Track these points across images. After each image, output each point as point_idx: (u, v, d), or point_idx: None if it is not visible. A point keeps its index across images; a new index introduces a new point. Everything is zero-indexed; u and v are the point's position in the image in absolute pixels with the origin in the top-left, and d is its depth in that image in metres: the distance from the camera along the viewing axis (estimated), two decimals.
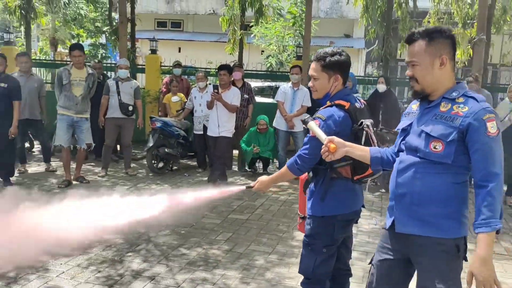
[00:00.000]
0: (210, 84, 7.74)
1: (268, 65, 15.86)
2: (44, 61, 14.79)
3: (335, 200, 2.73)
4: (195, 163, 8.37)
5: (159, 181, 7.13)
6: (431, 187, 2.10)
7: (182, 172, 7.87)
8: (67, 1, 17.28)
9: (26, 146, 7.93)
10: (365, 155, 2.39)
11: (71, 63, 6.71)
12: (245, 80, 8.28)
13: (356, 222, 2.95)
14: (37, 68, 11.53)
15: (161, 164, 7.80)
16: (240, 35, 11.04)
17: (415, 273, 2.28)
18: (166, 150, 7.60)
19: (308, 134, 2.71)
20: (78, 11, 18.42)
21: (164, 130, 7.55)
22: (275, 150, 7.80)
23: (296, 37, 15.74)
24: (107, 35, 17.39)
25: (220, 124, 6.89)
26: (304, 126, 2.65)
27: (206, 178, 7.23)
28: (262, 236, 4.94)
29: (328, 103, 2.74)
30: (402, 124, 2.31)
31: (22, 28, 14.76)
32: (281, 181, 5.56)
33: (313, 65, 2.76)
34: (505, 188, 6.66)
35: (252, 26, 13.97)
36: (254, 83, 11.64)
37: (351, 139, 2.62)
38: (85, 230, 3.38)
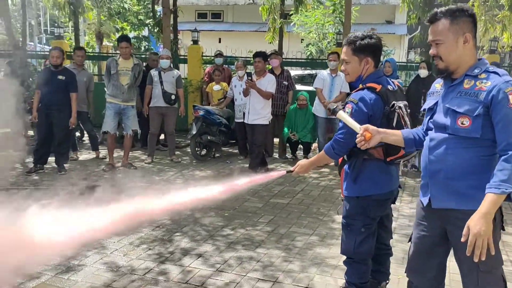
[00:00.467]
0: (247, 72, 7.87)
1: (308, 53, 15.84)
2: (90, 53, 15.37)
3: (368, 181, 2.82)
4: (236, 151, 8.56)
5: (202, 168, 7.37)
6: (463, 160, 2.18)
7: (224, 159, 8.08)
8: None
9: (76, 136, 8.38)
10: (398, 139, 2.48)
11: (119, 54, 7.04)
12: (285, 68, 8.35)
13: (394, 203, 3.02)
14: (85, 61, 12.01)
15: (204, 152, 8.04)
16: (280, 23, 11.10)
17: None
18: (208, 137, 7.82)
19: None
20: (122, 5, 18.98)
21: (207, 118, 7.76)
22: (315, 133, 7.85)
23: (336, 24, 15.62)
24: (150, 27, 17.85)
25: (256, 112, 6.96)
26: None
27: (247, 165, 7.41)
28: (303, 219, 5.07)
29: (360, 86, 2.82)
30: (428, 103, 2.38)
31: (69, 23, 15.37)
32: (320, 165, 5.70)
33: (344, 49, 2.84)
34: None
35: (291, 14, 13.99)
36: (294, 72, 11.71)
37: (383, 121, 2.70)
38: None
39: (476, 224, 2.05)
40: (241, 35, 19.86)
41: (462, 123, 2.16)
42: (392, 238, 3.13)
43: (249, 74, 7.04)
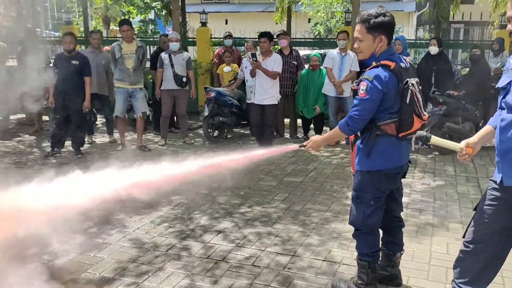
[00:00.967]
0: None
1: (316, 32, 15.78)
2: None
3: (380, 156, 2.88)
4: (248, 132, 8.66)
5: (215, 149, 7.49)
6: None
7: (236, 140, 8.19)
8: None
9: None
10: (491, 132, 2.46)
11: (122, 38, 7.13)
12: (293, 48, 8.37)
13: (404, 177, 3.10)
14: None
15: (216, 133, 8.14)
16: (287, 3, 11.06)
17: None
18: (220, 119, 7.91)
19: (357, 96, 2.86)
20: None
21: (218, 100, 7.84)
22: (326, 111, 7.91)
23: (345, 3, 15.53)
24: (156, 11, 17.82)
25: (264, 92, 7.01)
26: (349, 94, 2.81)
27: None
28: (317, 196, 5.18)
29: (374, 63, 2.86)
30: (502, 82, 2.32)
31: (76, 9, 15.38)
32: (332, 141, 5.82)
33: (357, 27, 2.87)
34: None
35: None
36: (303, 51, 11.68)
37: (396, 98, 2.77)
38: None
39: None
40: (247, 16, 19.79)
41: None
42: (402, 211, 3.22)
43: (253, 55, 7.04)
